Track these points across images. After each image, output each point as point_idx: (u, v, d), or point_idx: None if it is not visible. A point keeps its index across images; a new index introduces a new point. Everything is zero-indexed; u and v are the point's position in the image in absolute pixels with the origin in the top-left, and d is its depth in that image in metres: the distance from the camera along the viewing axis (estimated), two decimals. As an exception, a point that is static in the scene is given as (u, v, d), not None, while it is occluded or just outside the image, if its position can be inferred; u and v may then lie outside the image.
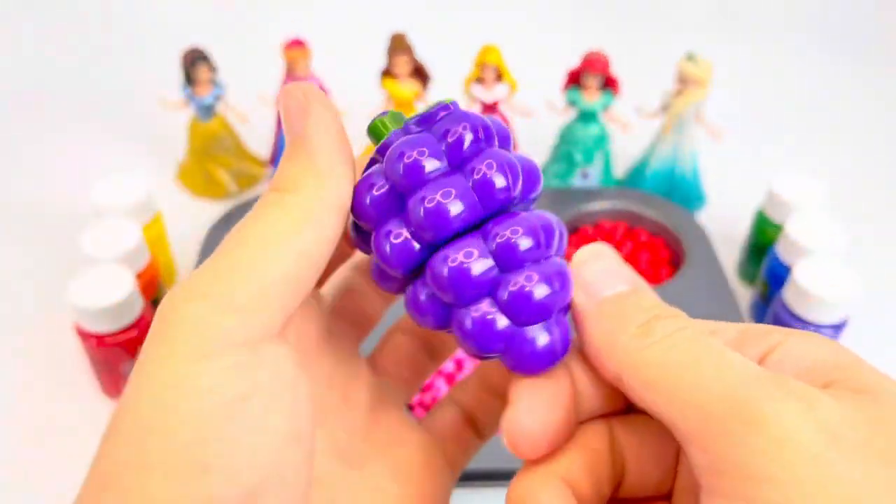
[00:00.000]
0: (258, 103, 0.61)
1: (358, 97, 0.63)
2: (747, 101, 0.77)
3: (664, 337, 0.18)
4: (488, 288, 0.18)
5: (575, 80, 0.58)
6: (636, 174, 0.62)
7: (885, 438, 0.15)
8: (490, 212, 0.19)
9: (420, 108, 0.61)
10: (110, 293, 0.43)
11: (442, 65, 0.62)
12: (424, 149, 0.18)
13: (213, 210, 0.60)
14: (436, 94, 0.61)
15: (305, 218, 0.17)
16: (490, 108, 0.60)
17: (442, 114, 0.19)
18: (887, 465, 0.15)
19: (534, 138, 0.63)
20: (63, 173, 0.67)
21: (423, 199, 0.18)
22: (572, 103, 0.59)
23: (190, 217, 0.60)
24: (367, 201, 0.19)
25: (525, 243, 0.18)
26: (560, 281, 0.19)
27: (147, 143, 0.69)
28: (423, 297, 0.19)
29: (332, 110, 0.20)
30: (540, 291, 0.18)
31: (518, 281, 0.18)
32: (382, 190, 0.19)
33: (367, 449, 0.22)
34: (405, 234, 0.18)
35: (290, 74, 0.59)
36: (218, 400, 0.15)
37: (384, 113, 0.20)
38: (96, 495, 0.15)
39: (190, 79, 0.57)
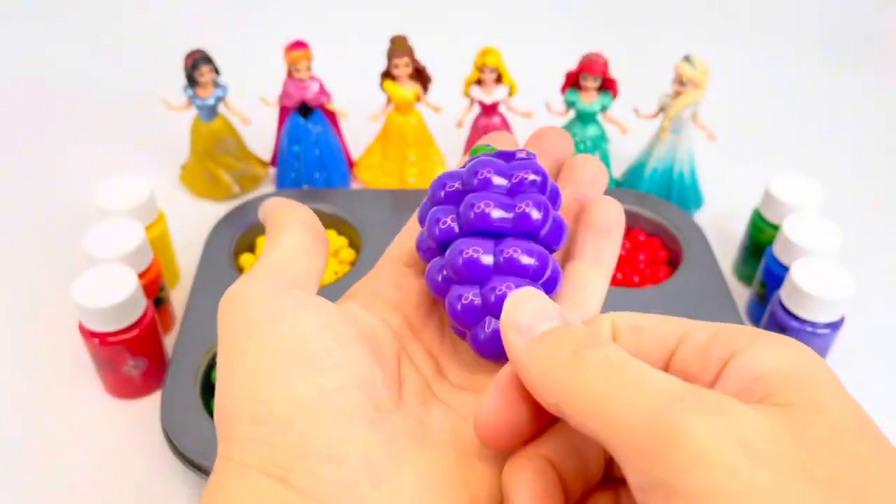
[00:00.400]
0: (260, 105, 0.61)
1: (358, 98, 0.64)
2: (744, 102, 0.77)
3: (593, 365, 0.19)
4: (481, 279, 0.24)
5: (573, 81, 0.58)
6: (634, 175, 0.62)
7: (802, 452, 0.16)
8: (516, 231, 0.24)
9: (419, 108, 0.62)
10: (113, 293, 0.44)
11: (442, 66, 0.62)
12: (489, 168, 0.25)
13: (216, 210, 0.61)
14: (436, 95, 0.61)
15: (277, 232, 0.26)
16: (489, 109, 0.60)
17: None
18: (801, 477, 0.15)
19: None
20: (67, 174, 0.67)
21: (472, 204, 0.24)
22: (571, 104, 0.59)
23: (192, 217, 0.61)
24: (442, 194, 0.26)
25: (524, 260, 0.24)
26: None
27: (150, 144, 0.70)
28: (438, 270, 0.25)
29: (284, 201, 0.27)
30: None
31: (499, 285, 0.23)
32: (453, 188, 0.26)
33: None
34: (450, 222, 0.25)
35: (292, 76, 0.59)
36: (271, 309, 0.23)
37: (487, 146, 0.27)
38: (220, 377, 0.22)
39: (192, 80, 0.58)
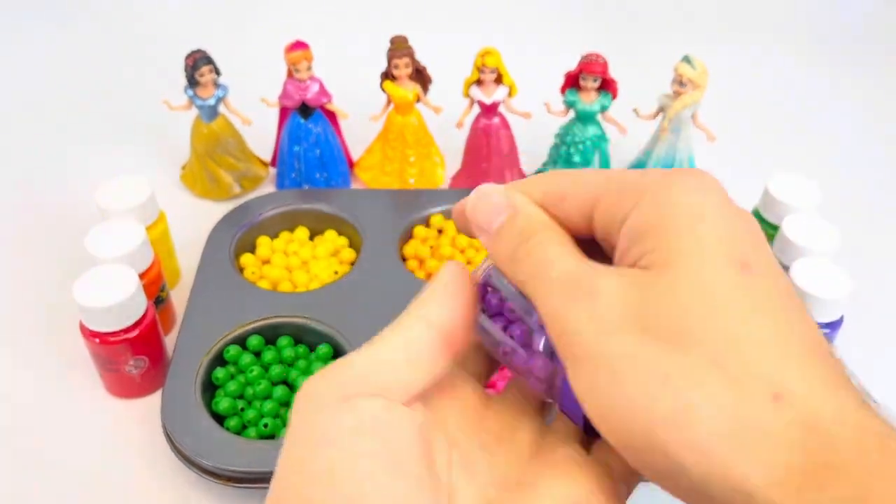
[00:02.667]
0: (261, 105, 0.61)
1: (359, 99, 0.64)
2: (743, 103, 0.78)
3: (523, 261, 0.23)
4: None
5: (573, 82, 0.58)
6: (634, 175, 0.62)
7: (641, 310, 0.20)
8: None
9: (419, 108, 0.62)
10: (114, 293, 0.44)
11: (442, 67, 0.62)
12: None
13: (216, 210, 0.61)
14: (436, 95, 0.61)
15: (402, 328, 0.24)
16: (489, 109, 0.60)
17: None
18: (636, 332, 0.20)
19: (533, 139, 0.64)
20: (68, 174, 0.67)
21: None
22: (570, 105, 0.59)
23: (193, 217, 0.61)
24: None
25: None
26: None
27: (151, 144, 0.70)
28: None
29: (459, 269, 0.26)
30: None
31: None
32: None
33: (534, 472, 0.24)
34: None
35: (292, 76, 0.59)
36: (331, 426, 0.22)
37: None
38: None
39: (193, 81, 0.58)
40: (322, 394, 0.22)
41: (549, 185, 0.25)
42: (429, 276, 0.55)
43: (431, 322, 0.24)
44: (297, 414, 0.22)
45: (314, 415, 0.22)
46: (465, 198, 0.26)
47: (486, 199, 0.25)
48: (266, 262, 0.56)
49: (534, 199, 0.25)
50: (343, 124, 0.64)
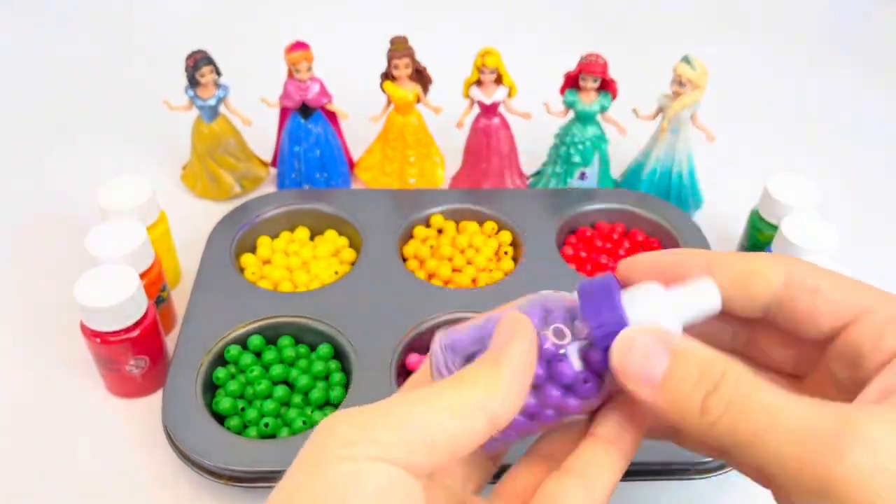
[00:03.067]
0: (261, 105, 0.61)
1: (359, 99, 0.64)
2: (743, 103, 0.78)
3: (723, 414, 0.20)
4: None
5: (572, 82, 0.59)
6: (633, 175, 0.63)
7: None
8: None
9: (419, 108, 0.62)
10: (115, 292, 0.44)
11: (442, 67, 0.63)
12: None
13: (217, 210, 0.61)
14: (436, 95, 0.61)
15: (460, 413, 0.22)
16: (489, 109, 0.60)
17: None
18: None
19: (533, 139, 0.64)
20: (69, 174, 0.67)
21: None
22: (570, 105, 0.59)
23: (194, 217, 0.61)
24: None
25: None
26: None
27: (152, 144, 0.70)
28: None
29: (531, 343, 0.23)
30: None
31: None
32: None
33: None
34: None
35: (292, 76, 0.59)
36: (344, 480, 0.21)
37: None
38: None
39: (194, 81, 0.58)
40: (352, 441, 0.21)
41: (796, 269, 0.22)
42: (430, 276, 0.55)
43: (494, 416, 0.22)
44: (318, 451, 0.21)
45: (339, 463, 0.21)
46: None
47: (632, 344, 0.22)
48: (266, 262, 0.56)
49: (774, 279, 0.22)
50: (343, 124, 0.64)
